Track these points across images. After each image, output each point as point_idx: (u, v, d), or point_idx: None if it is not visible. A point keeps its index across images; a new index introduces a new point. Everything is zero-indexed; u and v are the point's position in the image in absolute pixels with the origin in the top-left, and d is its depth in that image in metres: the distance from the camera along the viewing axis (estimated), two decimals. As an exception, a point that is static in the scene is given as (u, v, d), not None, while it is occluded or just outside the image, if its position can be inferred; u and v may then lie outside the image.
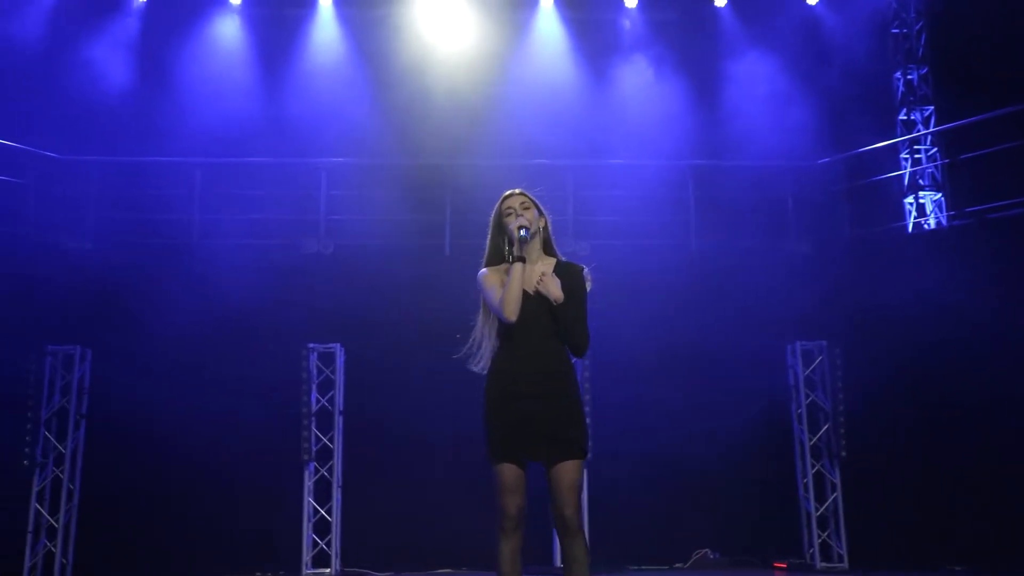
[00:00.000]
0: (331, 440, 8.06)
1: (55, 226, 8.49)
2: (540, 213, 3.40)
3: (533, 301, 3.28)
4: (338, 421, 8.12)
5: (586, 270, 3.39)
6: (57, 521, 7.71)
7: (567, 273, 3.33)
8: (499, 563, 3.26)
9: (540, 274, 3.29)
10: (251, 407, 8.03)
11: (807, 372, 8.41)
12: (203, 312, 8.09)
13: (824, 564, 8.06)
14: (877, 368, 8.08)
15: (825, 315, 8.41)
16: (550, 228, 3.44)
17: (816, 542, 8.11)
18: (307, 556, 7.82)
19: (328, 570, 7.81)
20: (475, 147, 9.19)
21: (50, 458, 7.84)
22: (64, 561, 7.71)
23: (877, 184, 9.04)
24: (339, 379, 8.17)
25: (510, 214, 3.34)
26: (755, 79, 9.54)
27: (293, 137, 9.16)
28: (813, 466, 8.29)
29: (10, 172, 8.86)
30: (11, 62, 9.47)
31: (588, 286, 3.37)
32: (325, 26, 9.86)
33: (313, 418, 8.02)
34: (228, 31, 9.80)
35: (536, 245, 3.37)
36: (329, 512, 7.95)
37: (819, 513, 8.18)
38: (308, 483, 7.94)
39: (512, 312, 3.23)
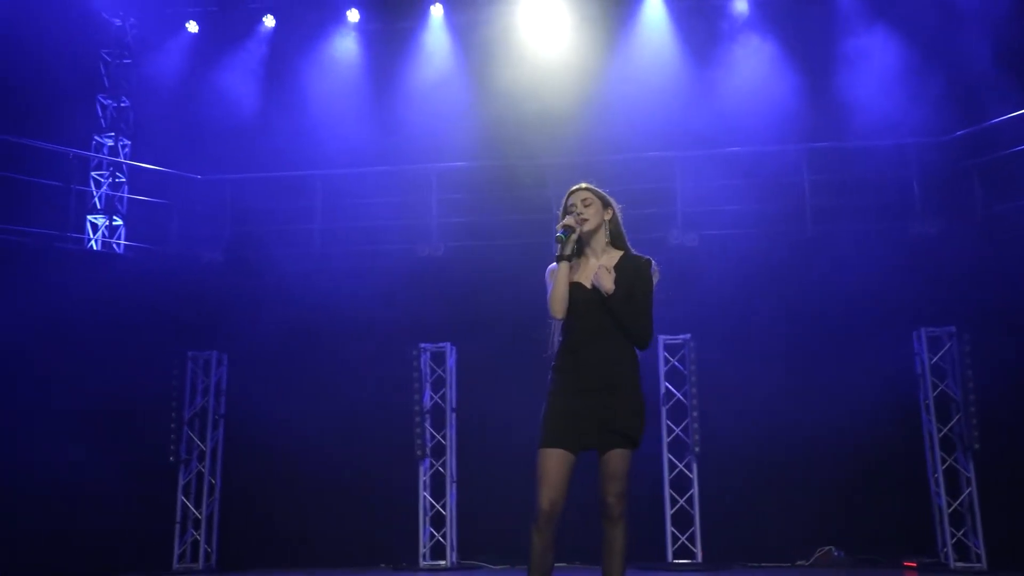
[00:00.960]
0: (444, 437, 8.34)
1: (194, 240, 9.23)
2: (606, 206, 3.42)
3: (592, 294, 3.29)
4: (451, 418, 8.39)
5: (653, 263, 3.38)
6: (201, 513, 8.38)
7: (631, 267, 3.33)
8: (530, 557, 3.27)
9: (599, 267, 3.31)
10: (368, 406, 8.43)
11: (935, 360, 7.94)
12: (323, 316, 8.58)
13: (960, 564, 7.58)
14: (1010, 354, 7.53)
15: (953, 299, 7.93)
16: (619, 220, 3.45)
17: (949, 540, 7.64)
18: (424, 549, 8.13)
19: (444, 562, 8.08)
20: (580, 144, 9.23)
21: (193, 455, 8.54)
22: (208, 549, 8.38)
23: (1011, 157, 8.39)
24: (450, 377, 8.43)
25: (571, 211, 3.38)
26: (872, 54, 9.07)
27: (405, 145, 9.50)
28: (944, 460, 7.81)
29: (158, 194, 9.76)
30: (158, 94, 10.40)
31: (655, 279, 3.36)
32: (435, 35, 10.17)
33: (427, 415, 8.33)
34: (346, 48, 10.29)
35: (601, 238, 3.40)
36: (444, 506, 8.22)
37: (951, 509, 7.70)
38: (423, 478, 8.25)
39: (557, 310, 3.31)
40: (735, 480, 8.01)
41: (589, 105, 9.34)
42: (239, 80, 10.33)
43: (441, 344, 8.47)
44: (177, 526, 8.33)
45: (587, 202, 3.40)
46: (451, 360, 8.47)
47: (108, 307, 8.41)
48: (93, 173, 10.17)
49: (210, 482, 8.51)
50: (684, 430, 8.02)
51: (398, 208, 9.15)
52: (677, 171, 8.90)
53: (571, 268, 3.35)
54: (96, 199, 10.13)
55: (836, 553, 8.04)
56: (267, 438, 8.49)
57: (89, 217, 9.98)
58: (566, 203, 3.42)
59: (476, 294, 8.68)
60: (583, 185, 3.46)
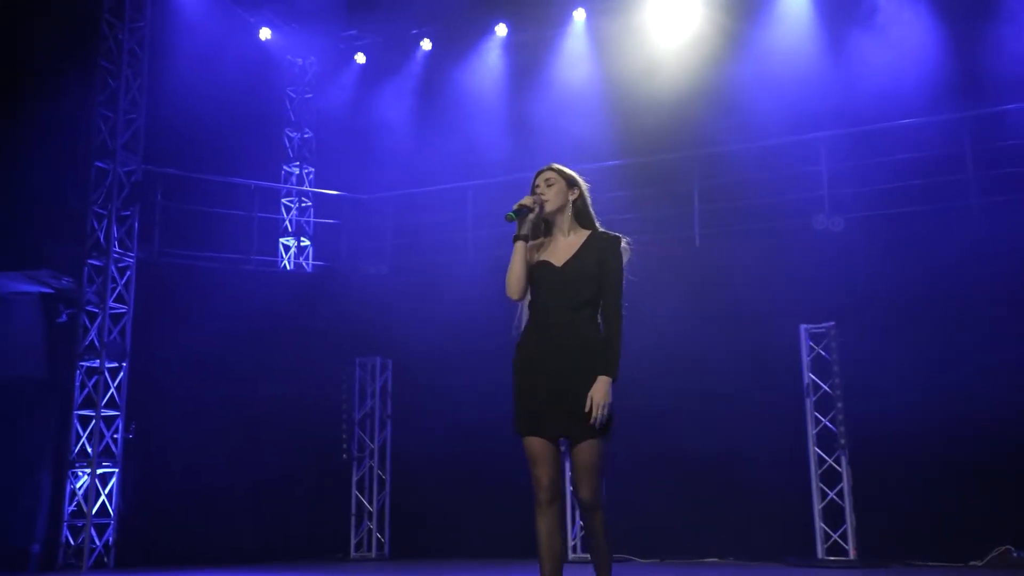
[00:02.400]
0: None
1: (361, 255, 10.03)
2: (571, 186, 3.40)
3: (558, 273, 3.26)
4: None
5: (624, 241, 3.35)
6: (373, 506, 9.12)
7: (599, 245, 3.31)
8: (537, 541, 3.11)
9: (566, 248, 3.31)
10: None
11: (1121, 340, 7.10)
12: (477, 321, 9.04)
13: None
14: None
15: None
16: (587, 199, 3.42)
17: None
18: (572, 542, 8.35)
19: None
20: (721, 133, 9.10)
21: (365, 452, 9.29)
22: (381, 539, 9.09)
23: None
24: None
25: (534, 191, 3.38)
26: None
27: (548, 149, 9.76)
28: None
29: (337, 215, 10.73)
30: (334, 123, 11.40)
31: (625, 257, 3.33)
32: (577, 40, 10.39)
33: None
34: (494, 61, 10.76)
35: (567, 217, 3.37)
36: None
37: None
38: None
39: (512, 291, 3.30)
40: (889, 474, 7.58)
41: (727, 93, 9.16)
42: (400, 102, 11.10)
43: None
44: (352, 518, 9.10)
45: (550, 182, 3.38)
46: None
47: (292, 321, 9.37)
48: (283, 200, 11.31)
49: (380, 477, 9.22)
50: (831, 422, 7.70)
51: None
52: (823, 153, 8.55)
53: (532, 247, 3.35)
54: (287, 223, 11.26)
55: (1015, 553, 7.38)
56: (429, 436, 9.08)
57: (281, 240, 11.10)
58: (533, 184, 3.41)
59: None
60: (548, 166, 3.43)
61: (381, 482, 9.23)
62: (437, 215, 9.98)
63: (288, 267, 10.97)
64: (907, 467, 7.59)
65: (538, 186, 3.40)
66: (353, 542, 9.08)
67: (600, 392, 3.11)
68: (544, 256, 3.34)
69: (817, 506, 7.63)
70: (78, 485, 8.31)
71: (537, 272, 3.32)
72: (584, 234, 3.38)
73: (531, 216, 3.33)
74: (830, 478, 7.66)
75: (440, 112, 10.81)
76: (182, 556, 8.35)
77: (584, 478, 3.15)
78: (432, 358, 9.27)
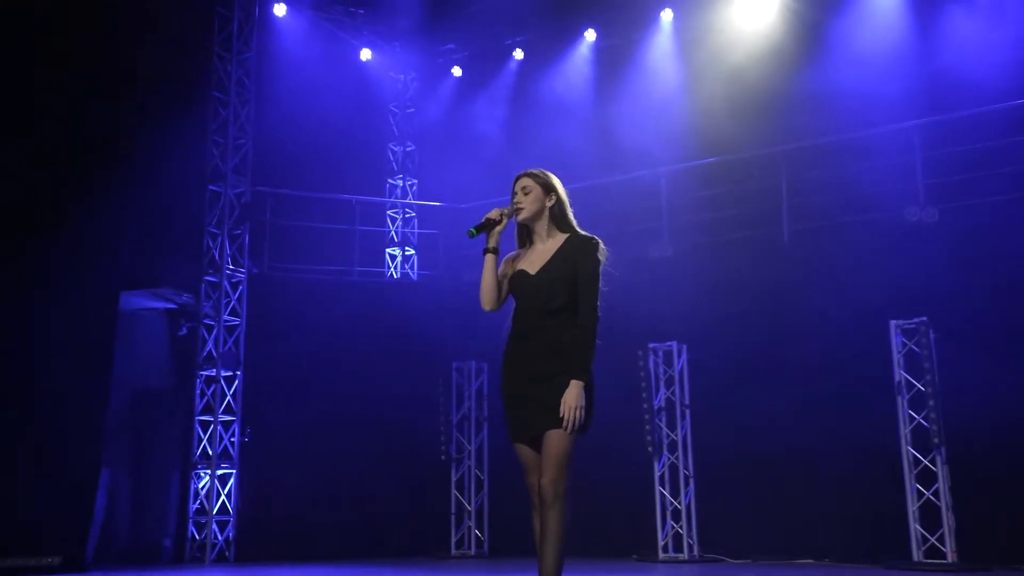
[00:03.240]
0: (677, 434, 8.56)
1: (460, 262, 10.38)
2: (548, 192, 3.38)
3: (531, 280, 3.28)
4: (685, 415, 8.56)
5: (600, 244, 3.33)
6: (471, 505, 9.44)
7: (573, 247, 3.29)
8: (535, 539, 3.19)
9: (540, 254, 3.33)
10: (602, 405, 8.88)
11: None
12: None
13: None
14: None
15: None
16: (565, 203, 3.39)
17: None
18: (662, 541, 8.42)
19: (683, 555, 8.30)
20: (808, 127, 8.94)
21: (463, 454, 9.62)
22: (480, 536, 9.40)
23: None
24: (681, 375, 8.62)
25: (513, 198, 3.38)
26: None
27: (635, 151, 9.84)
28: None
29: (433, 225, 11.16)
30: (431, 137, 11.84)
31: (602, 259, 3.31)
32: (664, 42, 10.41)
33: (663, 413, 8.62)
34: (583, 66, 10.92)
35: (544, 223, 3.36)
36: (683, 501, 8.44)
37: None
38: (658, 473, 8.54)
39: (484, 302, 3.34)
40: (988, 473, 7.27)
41: (814, 85, 8.97)
42: (494, 112, 11.42)
43: (669, 344, 8.70)
44: (452, 517, 9.45)
45: (527, 189, 3.36)
46: (683, 359, 8.65)
47: (393, 327, 9.82)
48: (389, 212, 11.82)
49: (478, 477, 9.53)
50: (925, 419, 7.45)
51: (627, 215, 9.52)
52: (916, 142, 8.27)
53: (515, 256, 3.41)
54: (392, 234, 11.77)
55: None
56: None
57: (387, 250, 11.61)
58: (512, 191, 3.40)
59: (708, 292, 8.79)
60: (524, 172, 3.42)
61: (479, 482, 9.54)
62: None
63: (395, 275, 11.47)
64: (1008, 466, 7.28)
65: (516, 194, 3.38)
66: (453, 540, 9.43)
67: (571, 396, 3.13)
68: (522, 264, 3.35)
69: (912, 507, 7.40)
70: (200, 485, 9.01)
71: (514, 281, 3.34)
72: (561, 239, 3.34)
73: (498, 228, 3.34)
74: (925, 478, 7.42)
75: (532, 119, 11.03)
76: (294, 551, 8.92)
77: (546, 466, 3.11)
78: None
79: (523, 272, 3.33)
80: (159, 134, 9.16)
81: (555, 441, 3.13)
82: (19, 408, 7.44)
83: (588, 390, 3.20)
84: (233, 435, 9.15)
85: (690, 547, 8.32)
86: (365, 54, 11.64)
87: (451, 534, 9.44)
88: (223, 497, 9.04)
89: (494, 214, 3.34)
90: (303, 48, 10.69)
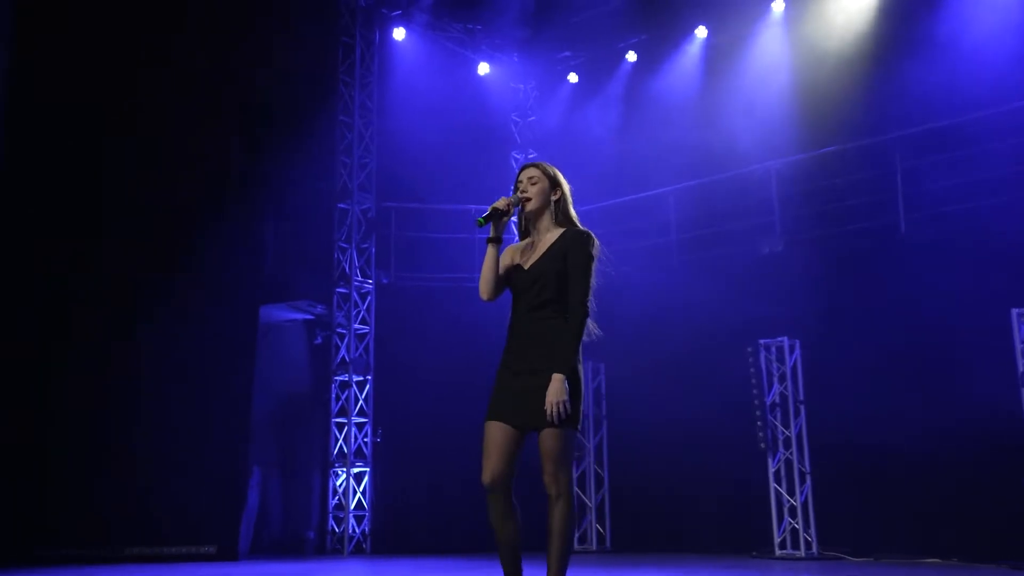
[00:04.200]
0: (791, 430, 8.47)
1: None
2: (554, 186, 3.35)
3: (525, 273, 3.28)
4: (800, 411, 8.47)
5: (593, 238, 3.30)
6: (592, 500, 9.69)
7: (568, 242, 3.27)
8: (493, 521, 3.22)
9: (536, 247, 3.32)
10: (707, 403, 8.93)
11: None
12: (673, 322, 9.33)
13: None
14: None
15: None
16: (569, 199, 3.37)
17: None
18: (778, 538, 8.36)
19: (799, 552, 8.22)
20: (922, 112, 8.64)
21: (583, 451, 9.87)
22: (601, 531, 9.63)
23: None
24: (794, 371, 8.53)
25: (517, 188, 3.36)
26: None
27: (748, 146, 9.79)
28: None
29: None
30: (551, 143, 12.16)
31: (595, 252, 3.27)
32: (773, 34, 10.29)
33: (778, 409, 8.57)
34: (693, 64, 10.94)
35: (547, 217, 3.34)
36: (798, 496, 8.35)
37: None
38: (772, 470, 8.49)
39: (482, 292, 3.31)
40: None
41: (928, 68, 8.66)
42: (610, 115, 11.62)
43: (780, 339, 8.63)
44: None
45: (534, 180, 3.33)
46: (796, 355, 8.57)
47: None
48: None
49: (597, 474, 9.76)
50: (1052, 414, 7.09)
51: (738, 212, 9.50)
52: None
53: (517, 249, 3.37)
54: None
55: None
56: (641, 434, 9.48)
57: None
58: (516, 180, 3.38)
59: (823, 286, 8.67)
60: (531, 163, 3.39)
61: (599, 479, 9.77)
62: (641, 220, 10.34)
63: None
64: None
65: (521, 182, 3.35)
66: (576, 535, 9.69)
67: (553, 391, 3.09)
68: (519, 257, 3.34)
69: (1042, 505, 7.07)
70: (338, 482, 9.71)
71: (510, 273, 3.33)
72: (558, 233, 3.32)
73: (505, 219, 3.30)
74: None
75: (646, 120, 11.16)
76: (426, 543, 9.46)
77: (545, 465, 3.12)
78: (639, 361, 9.64)
79: (518, 265, 3.31)
80: (292, 159, 9.96)
81: (549, 440, 3.12)
82: (175, 410, 8.34)
83: (574, 383, 3.15)
84: (366, 435, 9.80)
85: (808, 544, 8.23)
86: (483, 68, 12.09)
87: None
88: (359, 494, 9.70)
89: (501, 203, 3.26)
90: (422, 67, 11.26)
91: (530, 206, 3.32)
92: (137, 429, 8.23)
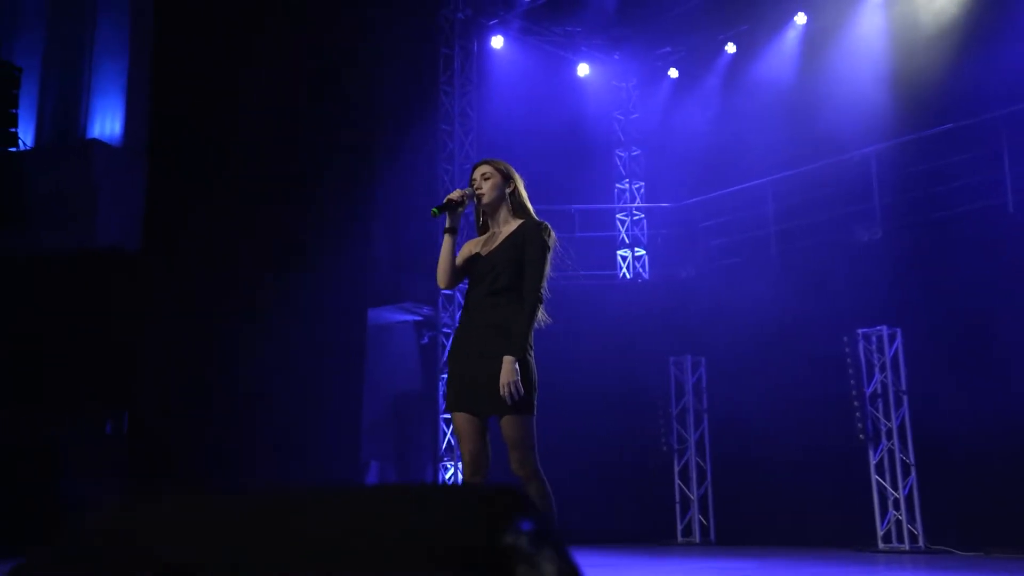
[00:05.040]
0: (892, 421, 8.27)
1: (678, 260, 10.69)
2: (507, 180, 3.51)
3: (482, 261, 3.44)
4: (902, 401, 8.26)
5: (548, 228, 3.45)
6: (694, 494, 9.72)
7: (524, 233, 3.43)
8: None
9: (494, 238, 3.49)
10: (808, 395, 8.82)
11: None
12: (771, 315, 9.26)
13: None
14: None
15: None
16: (522, 192, 3.53)
17: None
18: (881, 531, 8.18)
19: (904, 546, 8.02)
20: (1021, 91, 8.26)
21: (685, 445, 9.93)
22: (704, 524, 9.66)
23: None
24: (895, 361, 8.32)
25: (472, 184, 3.53)
26: None
27: (844, 134, 9.59)
28: None
29: (660, 225, 11.54)
30: (654, 139, 12.26)
31: (549, 242, 3.41)
32: (872, 14, 10.04)
33: (879, 400, 8.39)
34: (793, 50, 10.80)
35: (503, 210, 3.50)
36: (902, 489, 8.14)
37: None
38: (874, 462, 8.31)
39: (439, 280, 3.52)
40: None
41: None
42: (710, 108, 11.59)
43: (879, 328, 8.44)
44: (677, 506, 9.77)
45: (486, 176, 3.49)
46: (896, 343, 8.36)
47: (616, 325, 10.40)
48: (618, 216, 12.39)
49: (700, 467, 9.79)
50: None
51: (836, 199, 9.32)
52: None
53: (476, 241, 3.55)
54: (623, 236, 12.32)
55: None
56: (743, 428, 9.46)
57: (619, 252, 12.19)
58: (470, 177, 3.56)
59: (923, 273, 8.45)
60: (483, 160, 3.57)
61: (701, 472, 9.79)
62: (742, 214, 10.28)
63: (627, 276, 12.01)
64: None
65: (475, 180, 3.52)
66: (679, 528, 9.76)
67: (504, 373, 3.20)
68: (478, 248, 3.51)
69: None
70: (447, 476, 10.14)
71: (467, 261, 3.51)
72: (515, 224, 3.48)
73: (460, 209, 3.46)
74: None
75: (746, 111, 11.08)
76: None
77: (511, 452, 3.26)
78: (739, 353, 9.61)
79: (477, 254, 3.48)
80: (397, 167, 10.51)
81: (508, 429, 3.26)
82: (290, 407, 8.98)
83: (526, 367, 3.26)
84: (472, 430, 10.19)
85: (913, 537, 8.02)
86: (583, 69, 12.28)
87: (676, 523, 9.78)
88: (467, 486, 10.10)
89: (455, 195, 3.45)
90: (520, 72, 11.58)
91: (484, 200, 3.47)
92: (253, 424, 8.90)
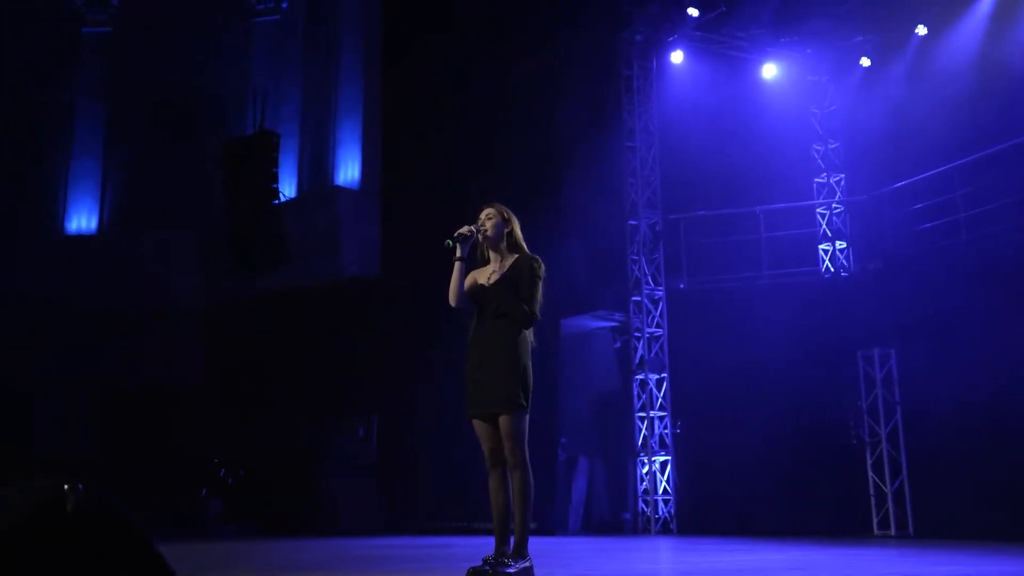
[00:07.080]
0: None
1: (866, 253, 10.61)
2: (506, 221, 4.26)
3: (486, 291, 4.18)
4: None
5: (539, 261, 4.17)
6: (888, 487, 9.66)
7: (519, 265, 4.16)
8: (490, 491, 4.13)
9: (496, 270, 4.23)
10: (1005, 384, 8.52)
11: None
12: (957, 305, 9.04)
13: None
14: None
15: None
16: (518, 232, 4.27)
17: None
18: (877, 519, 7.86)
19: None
20: None
21: (878, 438, 9.87)
22: (902, 517, 9.56)
23: None
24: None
25: (477, 222, 4.29)
26: None
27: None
28: None
29: (860, 216, 11.48)
30: (850, 130, 12.15)
31: (540, 272, 4.13)
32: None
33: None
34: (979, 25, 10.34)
35: (502, 246, 4.24)
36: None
37: None
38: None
39: (450, 299, 4.21)
40: None
41: None
42: (900, 92, 11.33)
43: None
44: (872, 499, 9.72)
45: (490, 216, 4.25)
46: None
47: (804, 321, 10.57)
48: (818, 210, 12.39)
49: (894, 459, 9.69)
50: None
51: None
52: None
53: (481, 271, 4.28)
54: (824, 230, 12.31)
55: None
56: (939, 421, 9.28)
57: (820, 246, 12.20)
58: (478, 216, 4.30)
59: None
60: (490, 204, 4.32)
61: (895, 465, 9.69)
62: (933, 198, 10.04)
63: (831, 270, 11.99)
64: None
65: (480, 219, 4.28)
66: (875, 521, 9.73)
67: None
68: (482, 278, 4.25)
69: None
70: (644, 470, 10.85)
71: (474, 290, 4.23)
72: (512, 258, 4.22)
73: (470, 241, 4.22)
74: None
75: (937, 94, 10.73)
76: (728, 527, 10.20)
77: (504, 444, 4.02)
78: (931, 344, 9.44)
79: (481, 285, 4.22)
80: (586, 184, 11.42)
81: (504, 425, 4.02)
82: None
83: (523, 371, 4.06)
84: (666, 428, 10.82)
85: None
86: (769, 69, 12.41)
87: (872, 516, 9.76)
88: (663, 480, 10.74)
89: (465, 230, 4.20)
90: (701, 82, 11.97)
91: (488, 235, 4.25)
92: (451, 426, 10.19)
